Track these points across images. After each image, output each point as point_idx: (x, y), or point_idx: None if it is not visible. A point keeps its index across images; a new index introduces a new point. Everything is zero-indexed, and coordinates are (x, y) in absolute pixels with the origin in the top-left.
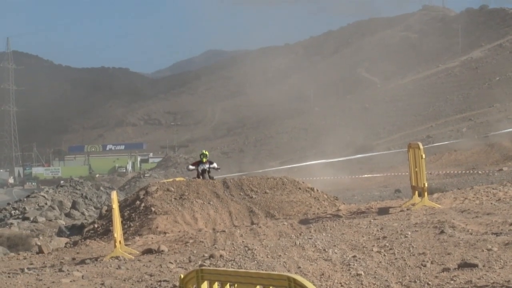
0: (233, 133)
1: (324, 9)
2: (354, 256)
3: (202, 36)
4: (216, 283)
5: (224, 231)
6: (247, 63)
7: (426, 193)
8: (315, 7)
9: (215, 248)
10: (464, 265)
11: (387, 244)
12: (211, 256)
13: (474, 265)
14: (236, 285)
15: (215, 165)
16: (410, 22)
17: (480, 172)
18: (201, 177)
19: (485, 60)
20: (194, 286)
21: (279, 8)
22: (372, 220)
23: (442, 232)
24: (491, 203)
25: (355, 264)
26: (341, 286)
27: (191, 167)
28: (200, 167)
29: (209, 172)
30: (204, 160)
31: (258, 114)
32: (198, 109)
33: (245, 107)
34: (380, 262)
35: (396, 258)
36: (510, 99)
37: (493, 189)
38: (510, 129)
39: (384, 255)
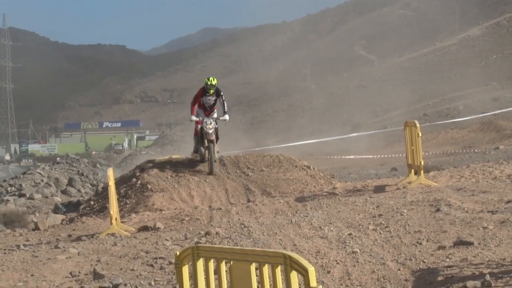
0: (229, 110)
1: None
2: (350, 234)
3: (198, 13)
4: (212, 260)
5: (220, 208)
6: (243, 40)
7: (422, 171)
8: None
9: (211, 225)
10: (460, 243)
11: (383, 222)
12: (207, 233)
13: (470, 243)
14: (231, 262)
15: (226, 117)
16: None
17: (476, 150)
18: (203, 142)
19: (482, 38)
20: (190, 263)
21: None
22: (368, 198)
23: (438, 210)
24: (487, 181)
25: (351, 242)
26: (337, 263)
27: (194, 117)
28: (204, 108)
29: (215, 129)
30: (211, 91)
31: (255, 92)
32: (194, 86)
33: (241, 84)
34: (376, 239)
35: (392, 236)
36: (507, 78)
37: (489, 167)
38: (507, 109)
39: (380, 233)
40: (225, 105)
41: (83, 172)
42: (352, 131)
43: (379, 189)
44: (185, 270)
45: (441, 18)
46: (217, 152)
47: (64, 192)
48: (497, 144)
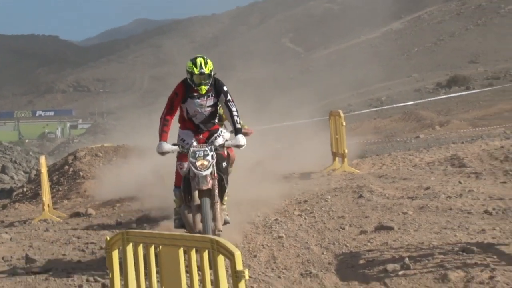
0: (161, 100)
1: None
2: (276, 219)
3: (130, 5)
4: (141, 245)
5: (151, 195)
6: (175, 32)
7: (346, 159)
8: None
9: (141, 211)
10: (381, 227)
11: (308, 208)
12: (138, 219)
13: (390, 228)
14: (160, 246)
15: (239, 139)
16: None
17: (398, 139)
18: (188, 195)
19: (404, 31)
20: (120, 248)
21: None
22: (294, 185)
23: (360, 196)
24: (408, 169)
25: (277, 227)
26: (263, 247)
27: (166, 146)
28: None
29: (218, 170)
30: (203, 88)
31: None
32: (127, 76)
33: (173, 75)
34: (301, 225)
35: (316, 221)
36: (428, 70)
37: (409, 155)
38: (427, 99)
39: (305, 218)
40: (236, 113)
41: (16, 160)
42: (280, 121)
43: (305, 176)
44: (115, 255)
45: (365, 11)
46: (223, 214)
47: None
48: (417, 133)
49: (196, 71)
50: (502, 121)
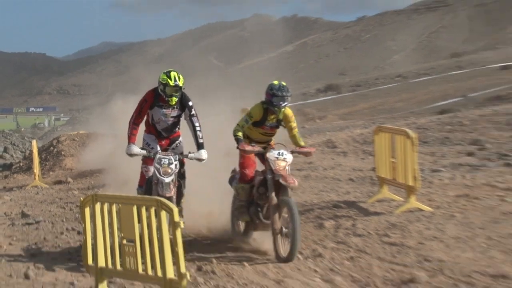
0: (121, 101)
1: (186, 13)
2: None
3: (99, 31)
4: (106, 204)
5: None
6: (132, 51)
7: None
8: (178, 11)
9: (106, 179)
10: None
11: (223, 182)
12: (104, 185)
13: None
14: (120, 205)
15: (202, 153)
16: (245, 25)
17: None
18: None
19: (294, 52)
20: (91, 206)
21: (153, 11)
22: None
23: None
24: None
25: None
26: None
27: (135, 149)
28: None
29: (180, 177)
30: (174, 100)
31: (140, 88)
32: (96, 83)
33: (130, 82)
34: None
35: (231, 191)
36: (311, 80)
37: None
38: (310, 100)
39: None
40: (199, 128)
41: (14, 143)
42: (202, 119)
43: None
44: (87, 211)
45: (267, 38)
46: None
47: (0, 157)
48: (303, 125)
49: (171, 83)
50: (362, 116)
